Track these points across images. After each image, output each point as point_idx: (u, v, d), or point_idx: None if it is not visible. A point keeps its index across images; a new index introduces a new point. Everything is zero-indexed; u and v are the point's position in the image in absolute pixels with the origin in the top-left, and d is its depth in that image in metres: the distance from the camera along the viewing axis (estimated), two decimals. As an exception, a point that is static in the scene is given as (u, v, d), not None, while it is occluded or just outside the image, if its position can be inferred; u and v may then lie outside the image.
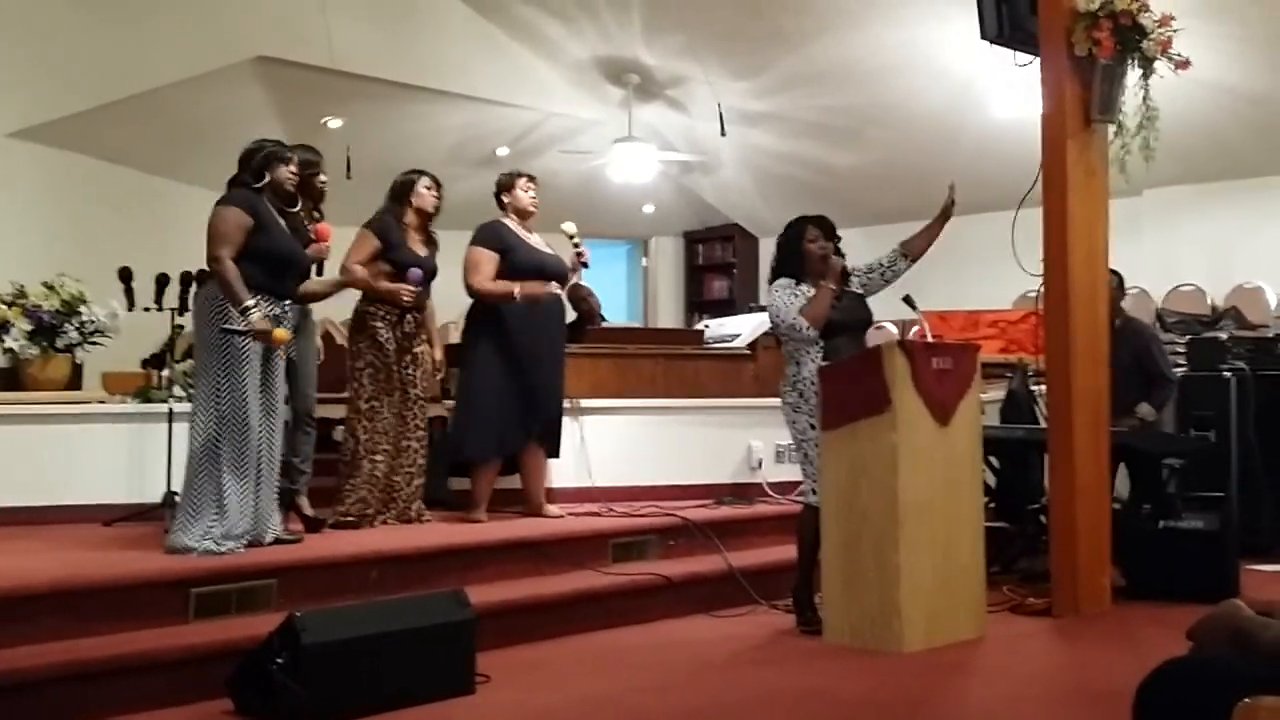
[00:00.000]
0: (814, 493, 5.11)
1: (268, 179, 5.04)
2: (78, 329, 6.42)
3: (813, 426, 5.09)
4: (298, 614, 3.80)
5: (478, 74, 10.30)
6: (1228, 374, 7.34)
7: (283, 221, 5.13)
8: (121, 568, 4.50)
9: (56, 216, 8.93)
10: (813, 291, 5.17)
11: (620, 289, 14.57)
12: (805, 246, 5.25)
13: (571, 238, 6.32)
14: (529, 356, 6.08)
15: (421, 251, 5.99)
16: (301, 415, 5.70)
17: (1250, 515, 6.97)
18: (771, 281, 5.34)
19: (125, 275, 6.10)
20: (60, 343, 6.41)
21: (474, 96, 10.42)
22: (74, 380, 6.52)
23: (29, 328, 6.31)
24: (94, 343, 6.52)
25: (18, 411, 6.04)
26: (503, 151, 11.27)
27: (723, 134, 10.45)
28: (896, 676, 4.43)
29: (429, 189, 6.01)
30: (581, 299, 9.03)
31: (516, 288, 6.01)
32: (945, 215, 5.35)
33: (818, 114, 10.52)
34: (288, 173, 5.11)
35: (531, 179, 6.35)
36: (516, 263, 6.11)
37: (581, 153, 11.18)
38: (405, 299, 5.80)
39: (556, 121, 11.19)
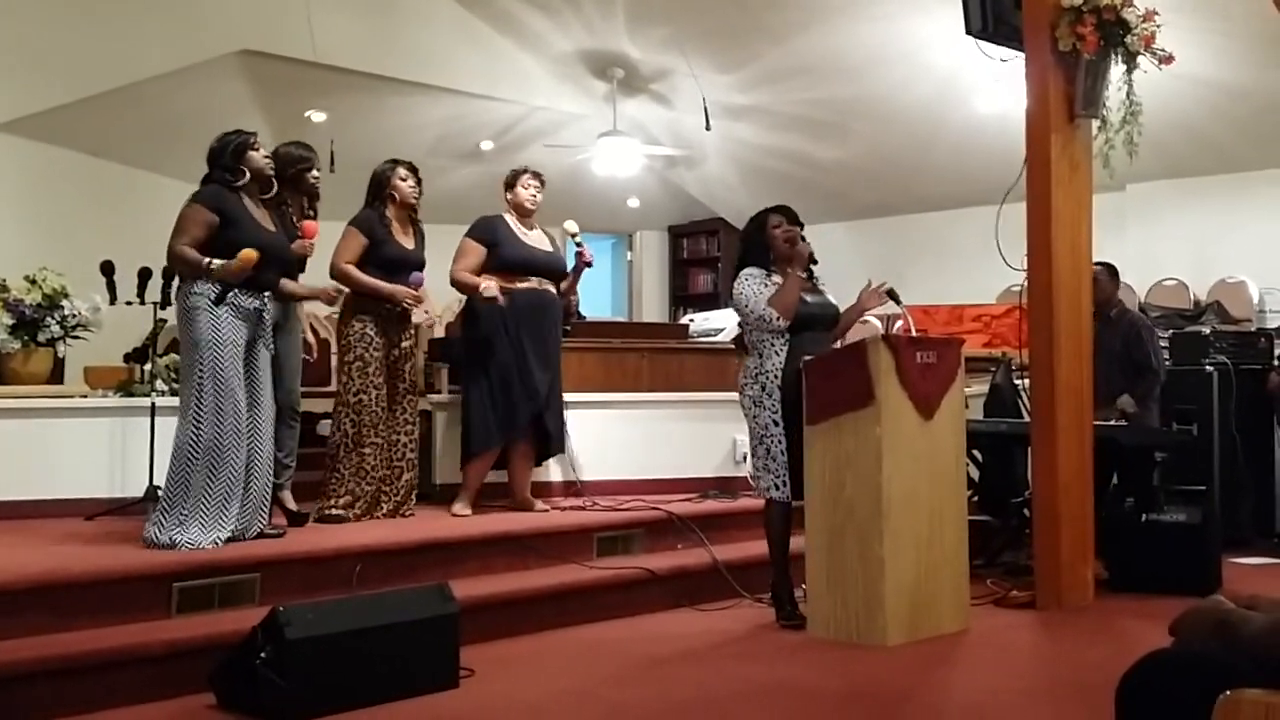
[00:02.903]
0: (776, 488, 5.11)
1: (246, 171, 5.02)
2: (60, 323, 6.39)
3: (775, 423, 5.07)
4: (281, 608, 3.79)
5: (461, 67, 10.27)
6: (1210, 368, 7.39)
7: (259, 213, 5.09)
8: (104, 562, 4.48)
9: (38, 210, 8.87)
10: (782, 281, 5.16)
11: (605, 283, 14.54)
12: (770, 233, 5.23)
13: (574, 236, 6.35)
14: (518, 351, 6.06)
15: (409, 244, 5.98)
16: (285, 409, 5.67)
17: (1232, 509, 7.02)
18: (737, 272, 5.29)
19: (107, 269, 6.07)
20: (42, 336, 6.37)
21: (457, 90, 10.39)
22: (56, 374, 6.48)
23: (10, 321, 6.27)
24: (76, 337, 6.49)
25: (-1, 405, 6.01)
26: (487, 145, 11.24)
27: (707, 128, 10.43)
28: (880, 669, 4.44)
29: (405, 180, 5.95)
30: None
31: (482, 283, 5.99)
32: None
33: (802, 108, 10.52)
34: (262, 159, 5.09)
35: (535, 175, 6.33)
36: (503, 257, 6.12)
37: (566, 146, 11.16)
38: (409, 303, 5.84)
39: (541, 115, 11.17)
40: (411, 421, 5.98)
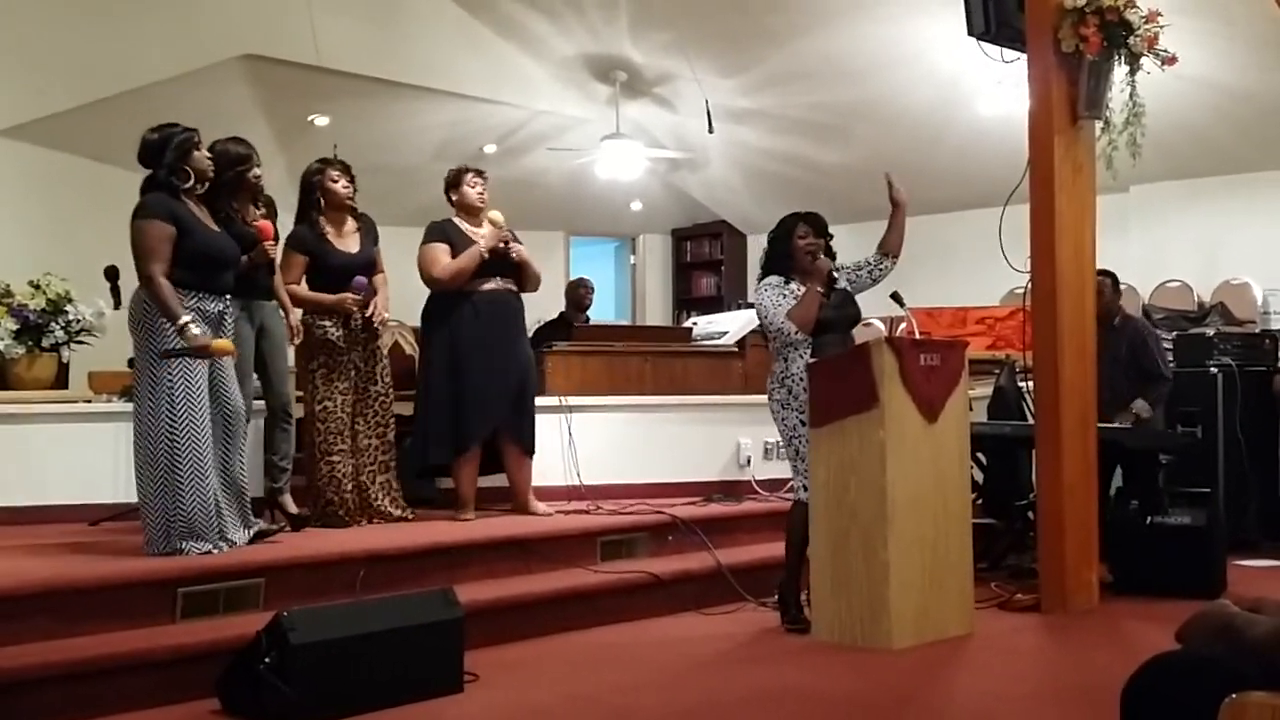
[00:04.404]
0: (805, 489, 5.10)
1: (191, 173, 4.81)
2: (64, 328, 6.40)
3: (803, 423, 5.07)
4: (286, 613, 3.79)
5: (464, 71, 10.27)
6: (1214, 370, 7.38)
7: (202, 214, 4.89)
8: (108, 568, 4.48)
9: (42, 215, 8.88)
10: (801, 290, 5.16)
11: (609, 286, 14.56)
12: (794, 243, 5.23)
13: (500, 227, 6.08)
14: (482, 351, 5.96)
15: (351, 246, 5.82)
16: (278, 412, 5.64)
17: (1237, 511, 7.01)
18: (761, 278, 5.32)
19: (111, 274, 6.05)
20: (46, 342, 6.38)
21: (461, 94, 10.39)
22: (60, 379, 6.49)
23: (15, 326, 6.28)
24: (80, 341, 6.49)
25: (3, 411, 5.99)
26: (490, 149, 11.24)
27: (710, 131, 10.44)
28: (885, 673, 4.43)
29: (336, 181, 5.77)
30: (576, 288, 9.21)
31: (481, 244, 5.93)
32: (896, 205, 5.33)
33: (805, 111, 10.53)
34: (205, 160, 4.88)
35: (479, 174, 6.20)
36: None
37: (569, 150, 11.17)
38: (353, 309, 5.70)
39: (544, 119, 11.17)
40: (384, 424, 5.87)
